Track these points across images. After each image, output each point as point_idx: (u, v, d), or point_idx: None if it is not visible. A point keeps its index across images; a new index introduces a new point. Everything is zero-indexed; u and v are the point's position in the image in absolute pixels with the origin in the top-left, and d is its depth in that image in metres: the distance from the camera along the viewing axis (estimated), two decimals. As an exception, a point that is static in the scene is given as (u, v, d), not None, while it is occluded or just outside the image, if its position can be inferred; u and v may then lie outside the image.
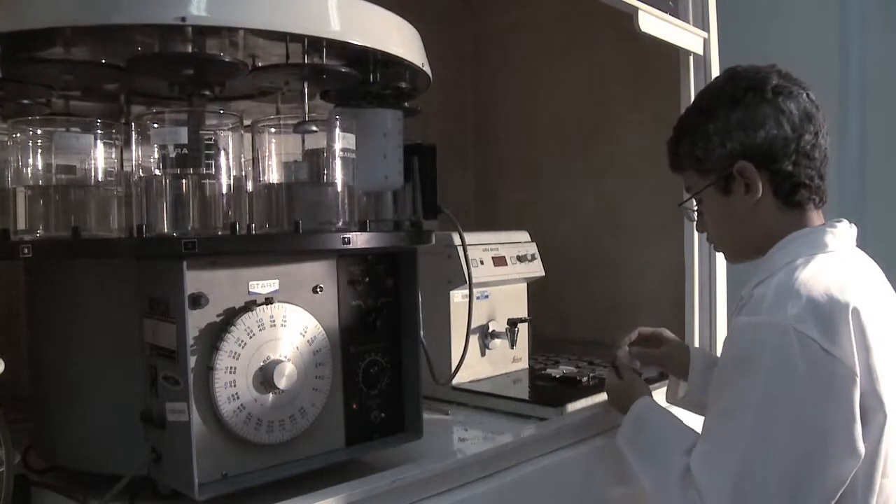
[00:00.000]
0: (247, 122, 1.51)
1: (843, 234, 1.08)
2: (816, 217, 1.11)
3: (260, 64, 1.09)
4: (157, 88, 1.24)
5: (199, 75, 1.03)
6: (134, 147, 1.02)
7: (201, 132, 1.01)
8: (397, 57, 1.08)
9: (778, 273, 1.03)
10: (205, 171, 0.99)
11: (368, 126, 1.16)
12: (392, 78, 1.20)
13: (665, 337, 1.39)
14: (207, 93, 1.10)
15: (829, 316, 0.95)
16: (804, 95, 1.09)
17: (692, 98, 1.70)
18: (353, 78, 1.09)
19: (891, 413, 0.96)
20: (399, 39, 1.10)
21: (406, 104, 1.27)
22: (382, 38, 1.06)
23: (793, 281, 0.99)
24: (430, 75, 1.19)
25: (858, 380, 0.93)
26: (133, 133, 1.02)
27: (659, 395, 1.36)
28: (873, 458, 0.95)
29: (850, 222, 1.11)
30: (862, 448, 0.93)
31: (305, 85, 1.07)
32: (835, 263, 1.03)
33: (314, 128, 1.07)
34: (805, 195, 1.08)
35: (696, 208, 1.20)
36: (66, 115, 1.28)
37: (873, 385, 0.95)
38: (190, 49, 0.98)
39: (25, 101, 1.18)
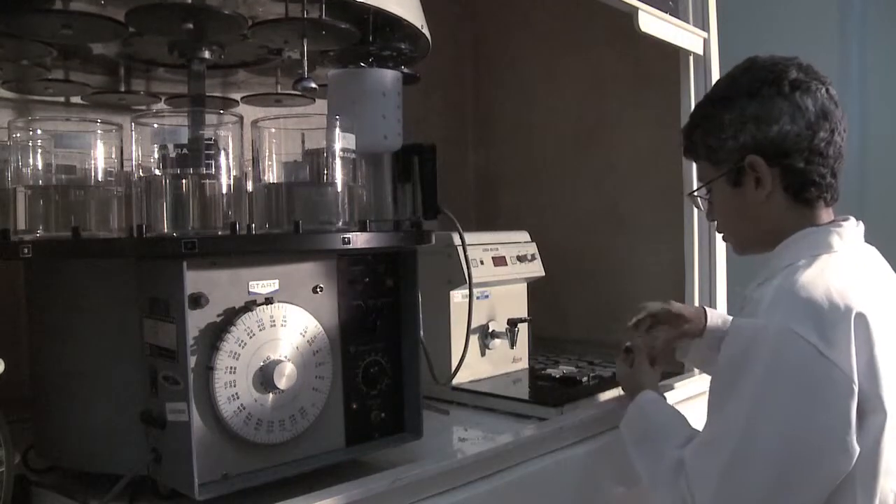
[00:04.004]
0: (246, 93, 1.52)
1: (849, 233, 1.07)
2: (826, 214, 1.09)
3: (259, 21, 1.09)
4: (156, 54, 1.25)
5: (198, 31, 1.04)
6: (134, 146, 1.02)
7: (201, 132, 1.01)
8: (396, 16, 1.09)
9: (779, 275, 1.03)
10: (205, 171, 0.99)
11: (367, 85, 1.17)
12: (391, 39, 1.20)
13: (678, 314, 1.37)
14: (207, 56, 1.11)
15: (828, 319, 0.94)
16: (823, 91, 1.07)
17: (692, 98, 1.71)
18: (352, 35, 1.09)
19: (891, 413, 0.95)
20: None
21: (406, 70, 1.27)
22: (381, -3, 1.06)
23: (793, 283, 0.99)
24: (430, 39, 1.20)
25: (856, 385, 0.93)
26: (132, 131, 1.02)
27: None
28: (874, 458, 0.95)
29: (857, 220, 1.11)
30: (855, 451, 0.93)
31: (304, 42, 1.07)
32: (838, 265, 1.02)
33: (313, 84, 1.07)
34: (815, 193, 1.07)
35: (706, 197, 1.18)
36: (65, 82, 1.31)
37: (875, 387, 0.95)
38: (189, 0, 0.98)
39: (24, 63, 1.18)
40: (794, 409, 0.94)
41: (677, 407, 1.25)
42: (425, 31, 1.17)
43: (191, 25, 1.01)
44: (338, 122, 1.08)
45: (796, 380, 0.94)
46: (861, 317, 0.95)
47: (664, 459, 1.08)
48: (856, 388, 0.93)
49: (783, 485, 0.95)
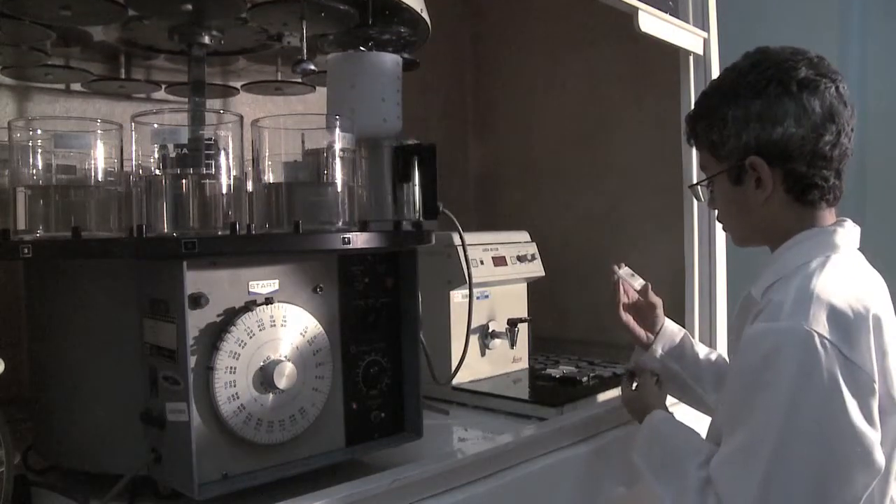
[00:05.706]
0: (245, 82, 1.52)
1: (850, 235, 1.07)
2: (829, 215, 1.08)
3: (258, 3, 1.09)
4: (156, 40, 1.25)
5: (197, 13, 1.04)
6: (134, 146, 1.02)
7: (201, 132, 1.01)
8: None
9: (793, 277, 1.01)
10: (205, 171, 0.99)
11: (366, 68, 1.17)
12: (391, 23, 1.20)
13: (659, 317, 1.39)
14: (207, 41, 1.11)
15: (850, 322, 0.94)
16: (833, 89, 1.03)
17: (692, 98, 1.70)
18: (351, 18, 1.09)
19: None
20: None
21: (406, 55, 1.27)
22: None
23: (812, 286, 0.97)
24: (430, 23, 1.20)
25: (877, 385, 0.92)
26: (132, 131, 1.02)
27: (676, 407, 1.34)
28: (889, 460, 0.95)
29: (854, 223, 1.10)
30: (882, 457, 0.92)
31: (304, 24, 1.07)
32: (850, 267, 1.02)
33: (312, 66, 1.07)
34: (817, 195, 1.05)
35: (708, 186, 1.16)
36: (65, 69, 1.32)
37: (889, 388, 0.95)
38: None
39: (23, 47, 1.18)
40: (826, 414, 0.92)
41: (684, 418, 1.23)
42: (425, 14, 1.17)
43: (190, 7, 1.01)
44: (338, 122, 1.08)
45: (825, 383, 0.91)
46: (877, 318, 0.95)
47: (688, 480, 1.02)
48: (877, 388, 0.92)
49: (824, 492, 0.92)
